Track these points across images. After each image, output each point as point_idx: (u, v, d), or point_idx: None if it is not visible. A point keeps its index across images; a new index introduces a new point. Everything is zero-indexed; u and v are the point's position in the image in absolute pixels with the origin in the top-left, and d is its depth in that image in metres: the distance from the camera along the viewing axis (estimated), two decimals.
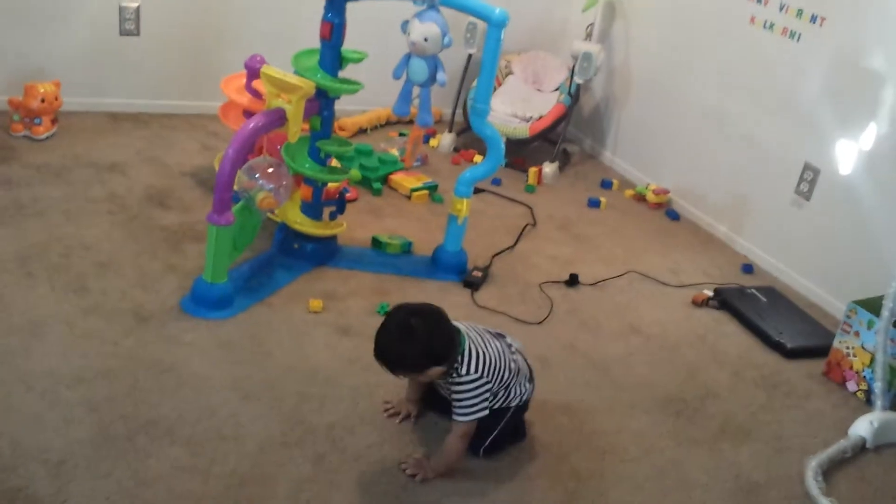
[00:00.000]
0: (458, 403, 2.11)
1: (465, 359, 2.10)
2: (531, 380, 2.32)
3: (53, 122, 3.61)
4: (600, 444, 2.40)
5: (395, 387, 2.38)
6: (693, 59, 4.05)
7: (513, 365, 2.22)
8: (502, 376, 2.17)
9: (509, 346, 2.27)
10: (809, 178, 3.48)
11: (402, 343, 2.04)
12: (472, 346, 2.13)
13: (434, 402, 2.33)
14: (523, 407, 2.31)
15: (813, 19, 3.43)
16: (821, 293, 3.45)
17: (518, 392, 2.25)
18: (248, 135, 2.57)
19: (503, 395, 2.22)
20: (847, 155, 3.33)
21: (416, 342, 2.03)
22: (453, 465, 2.17)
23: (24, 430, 2.05)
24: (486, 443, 2.23)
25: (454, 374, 2.10)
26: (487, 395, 2.12)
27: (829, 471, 2.45)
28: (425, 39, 2.76)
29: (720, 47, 3.89)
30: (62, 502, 1.87)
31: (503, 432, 2.25)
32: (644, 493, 2.25)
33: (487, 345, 2.17)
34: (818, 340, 3.08)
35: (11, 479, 1.91)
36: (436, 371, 2.08)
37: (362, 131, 4.32)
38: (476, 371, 2.10)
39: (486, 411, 2.13)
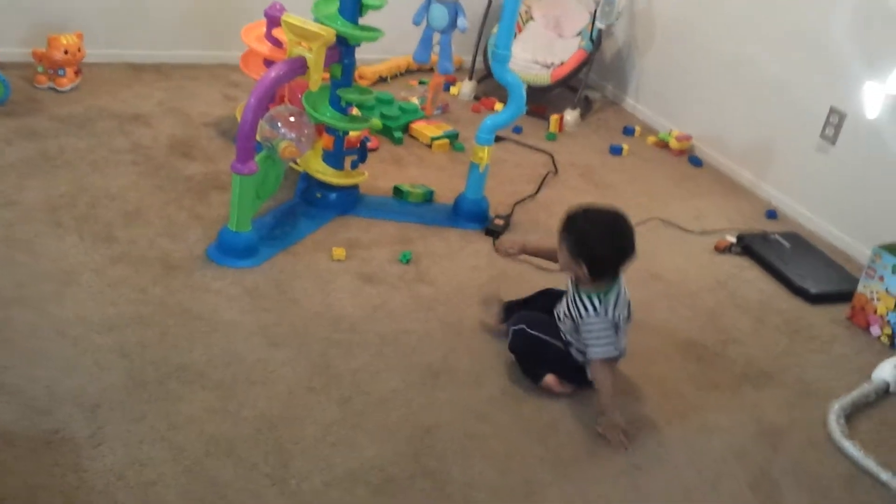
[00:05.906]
0: (588, 339, 2.26)
1: (603, 300, 2.25)
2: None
3: (77, 73, 3.62)
4: (622, 388, 2.42)
5: (428, 339, 2.41)
6: (717, 0, 3.97)
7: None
8: (618, 325, 2.29)
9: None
10: (835, 123, 3.43)
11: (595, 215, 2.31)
12: (620, 292, 2.29)
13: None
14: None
15: None
16: (845, 238, 3.43)
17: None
18: (270, 84, 2.57)
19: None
20: (874, 99, 3.28)
21: (594, 225, 2.27)
22: (609, 391, 2.26)
23: (59, 375, 2.10)
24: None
25: (585, 306, 2.26)
26: (611, 332, 2.26)
27: (852, 414, 2.47)
28: None
29: None
30: (98, 445, 1.93)
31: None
32: (665, 436, 2.28)
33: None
34: (842, 285, 3.08)
35: (48, 422, 1.97)
36: (577, 267, 2.23)
37: (382, 80, 4.30)
38: (597, 312, 2.25)
39: (612, 348, 2.26)
